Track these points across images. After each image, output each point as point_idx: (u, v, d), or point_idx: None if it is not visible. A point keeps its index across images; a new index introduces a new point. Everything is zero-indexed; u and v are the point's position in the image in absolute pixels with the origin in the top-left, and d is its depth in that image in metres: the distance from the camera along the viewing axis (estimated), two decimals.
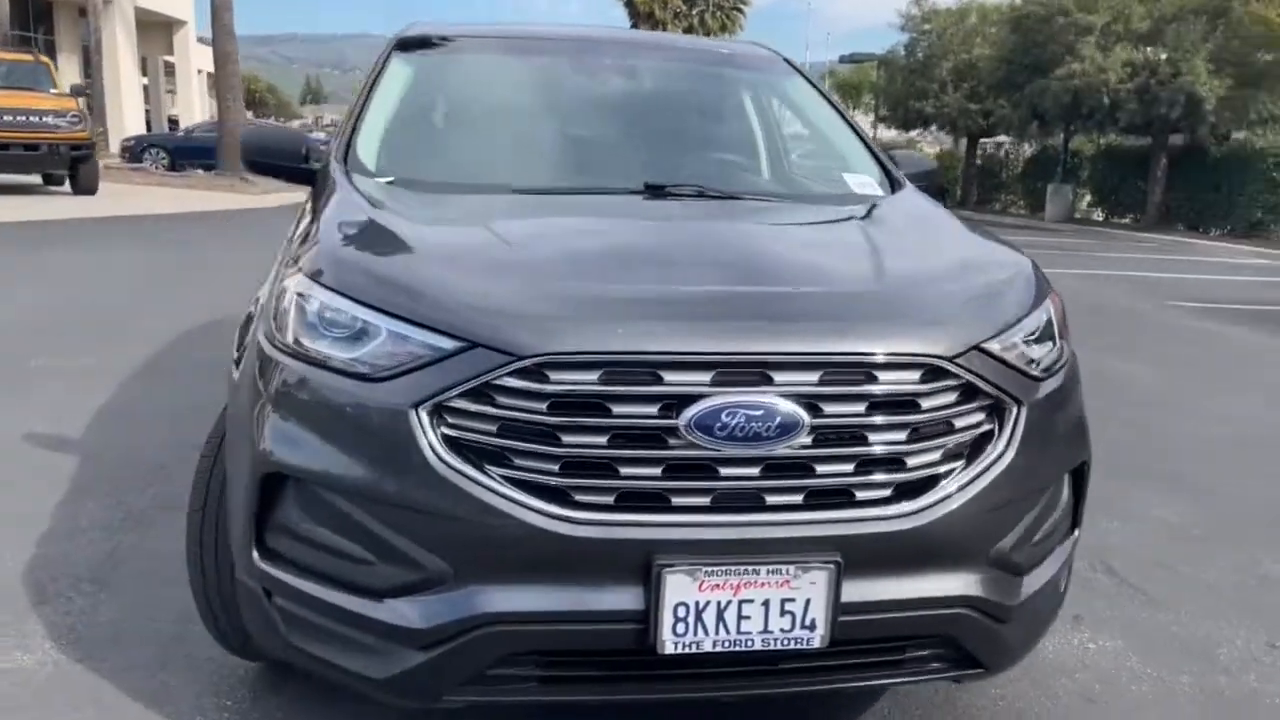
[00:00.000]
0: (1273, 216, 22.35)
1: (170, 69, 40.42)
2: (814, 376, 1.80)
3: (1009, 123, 27.63)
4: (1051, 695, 2.64)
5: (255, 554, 1.96)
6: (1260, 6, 21.96)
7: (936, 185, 3.21)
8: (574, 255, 2.22)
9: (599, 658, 1.87)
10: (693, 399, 1.76)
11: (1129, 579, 3.40)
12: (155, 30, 35.63)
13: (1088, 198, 28.92)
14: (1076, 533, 2.24)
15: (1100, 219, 27.97)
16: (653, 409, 1.76)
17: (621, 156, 3.16)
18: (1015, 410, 1.94)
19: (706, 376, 1.77)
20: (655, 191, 2.75)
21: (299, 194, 3.41)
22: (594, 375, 1.76)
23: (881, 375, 1.84)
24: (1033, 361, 2.03)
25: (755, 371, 1.79)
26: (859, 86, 48.55)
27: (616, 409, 1.76)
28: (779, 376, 1.79)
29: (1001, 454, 1.91)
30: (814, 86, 3.59)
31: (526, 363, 1.75)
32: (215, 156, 22.74)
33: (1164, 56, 22.36)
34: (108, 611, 2.86)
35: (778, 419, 1.77)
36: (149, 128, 35.34)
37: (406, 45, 3.42)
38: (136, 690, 2.48)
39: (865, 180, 3.05)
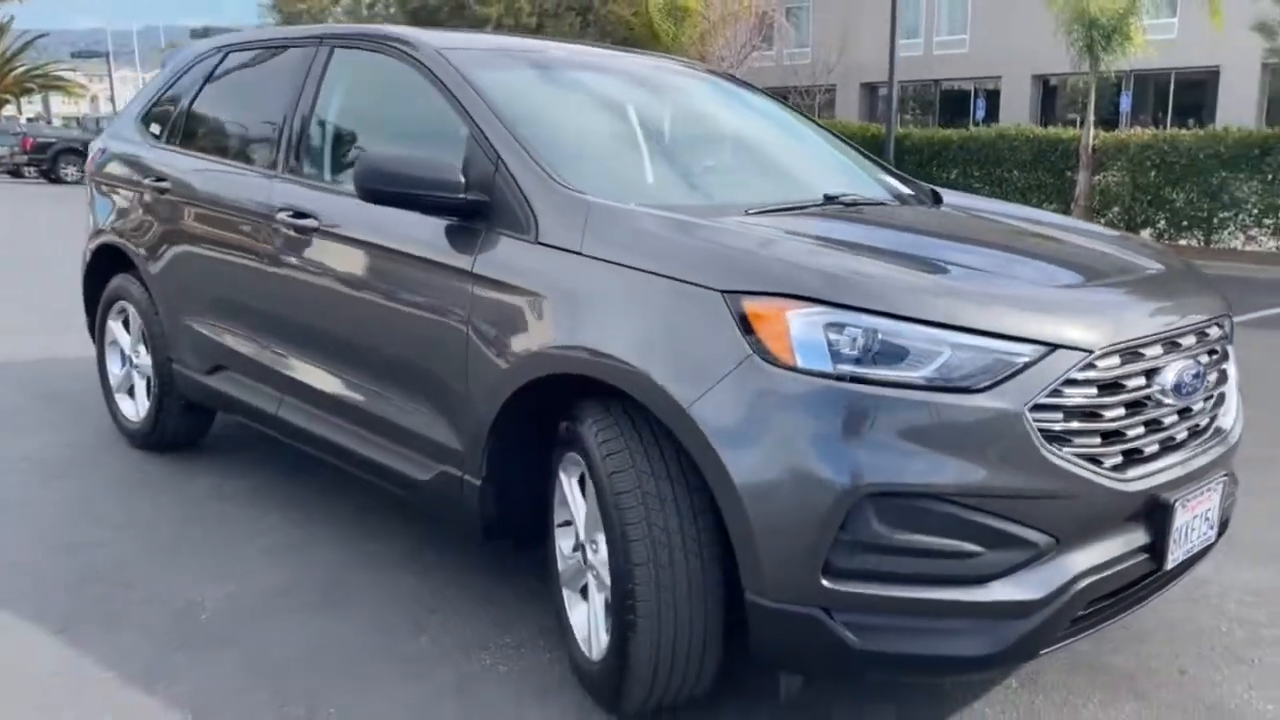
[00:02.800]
0: None
1: None
2: (1194, 339, 2.41)
3: None
4: None
5: (822, 578, 2.01)
6: (618, 7, 25.60)
7: None
8: (983, 265, 2.50)
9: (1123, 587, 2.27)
10: (1159, 369, 2.26)
11: None
12: None
13: None
14: None
15: None
16: (1143, 380, 2.22)
17: (768, 171, 3.30)
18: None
19: (1160, 349, 2.28)
20: (833, 200, 3.01)
21: None
22: (1116, 360, 2.16)
23: (1211, 332, 2.50)
24: None
25: (1178, 340, 2.34)
26: None
27: (1128, 383, 2.19)
28: (1185, 341, 2.36)
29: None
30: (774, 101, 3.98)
31: (1092, 357, 2.10)
32: None
33: None
34: None
35: (1198, 372, 2.35)
36: None
37: (475, 60, 3.13)
38: None
39: (895, 183, 3.59)
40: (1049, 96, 38.15)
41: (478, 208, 2.69)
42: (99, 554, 3.29)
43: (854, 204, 3.06)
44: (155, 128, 4.22)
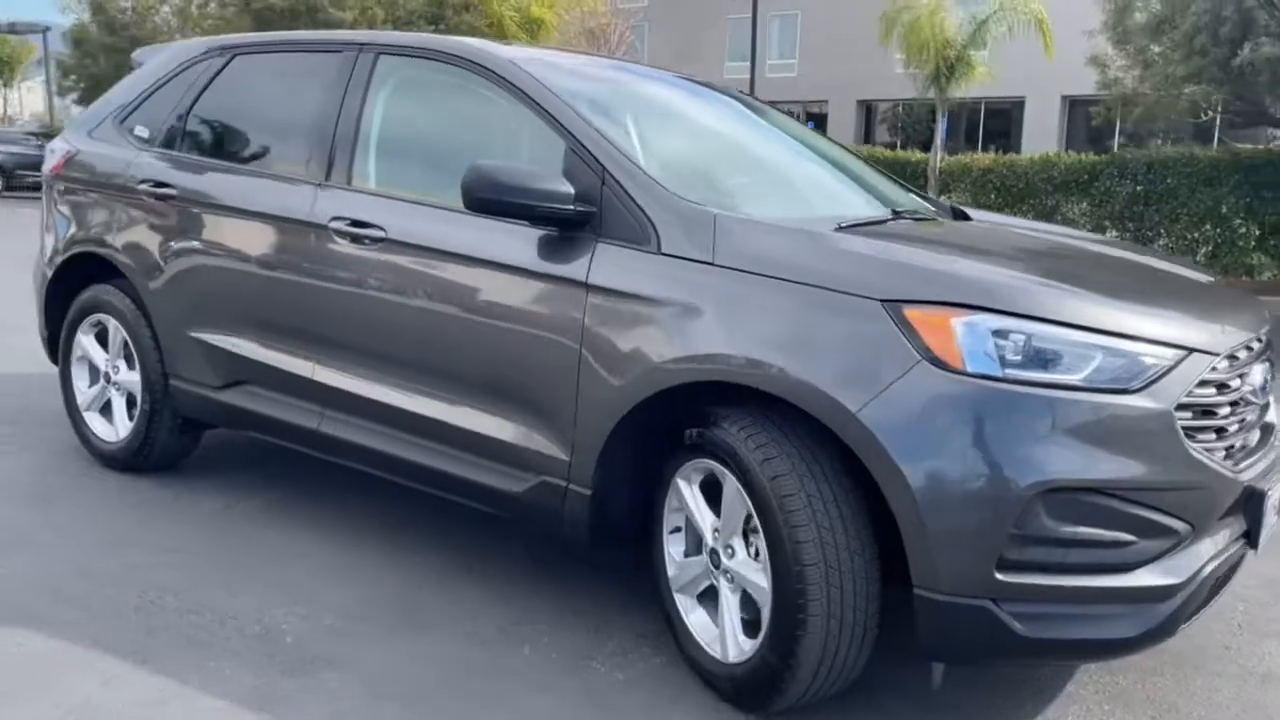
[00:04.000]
0: None
1: None
2: (1260, 344, 2.70)
3: None
4: None
5: (995, 572, 2.18)
6: (471, 18, 25.41)
7: None
8: (1090, 278, 2.71)
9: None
10: (1247, 371, 2.54)
11: None
12: None
13: None
14: None
15: None
16: (1239, 380, 2.50)
17: (823, 185, 3.41)
18: None
19: (1244, 354, 2.56)
20: (900, 215, 3.18)
21: None
22: (1226, 363, 2.42)
23: (1265, 337, 2.79)
24: None
25: (1252, 345, 2.62)
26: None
27: (1232, 384, 2.45)
28: (1256, 346, 2.65)
29: None
30: None
31: (1216, 360, 2.35)
32: None
33: None
34: None
35: (1264, 374, 2.64)
36: None
37: (555, 73, 3.16)
38: None
39: (916, 197, 3.80)
40: (869, 121, 40.31)
41: (585, 218, 2.73)
42: (145, 579, 3.11)
43: (921, 218, 3.25)
44: (142, 130, 3.99)
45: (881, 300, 2.29)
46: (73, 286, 4.16)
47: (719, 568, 2.56)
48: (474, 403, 2.97)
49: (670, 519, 2.72)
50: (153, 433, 3.92)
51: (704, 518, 2.60)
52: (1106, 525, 2.21)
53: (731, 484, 2.47)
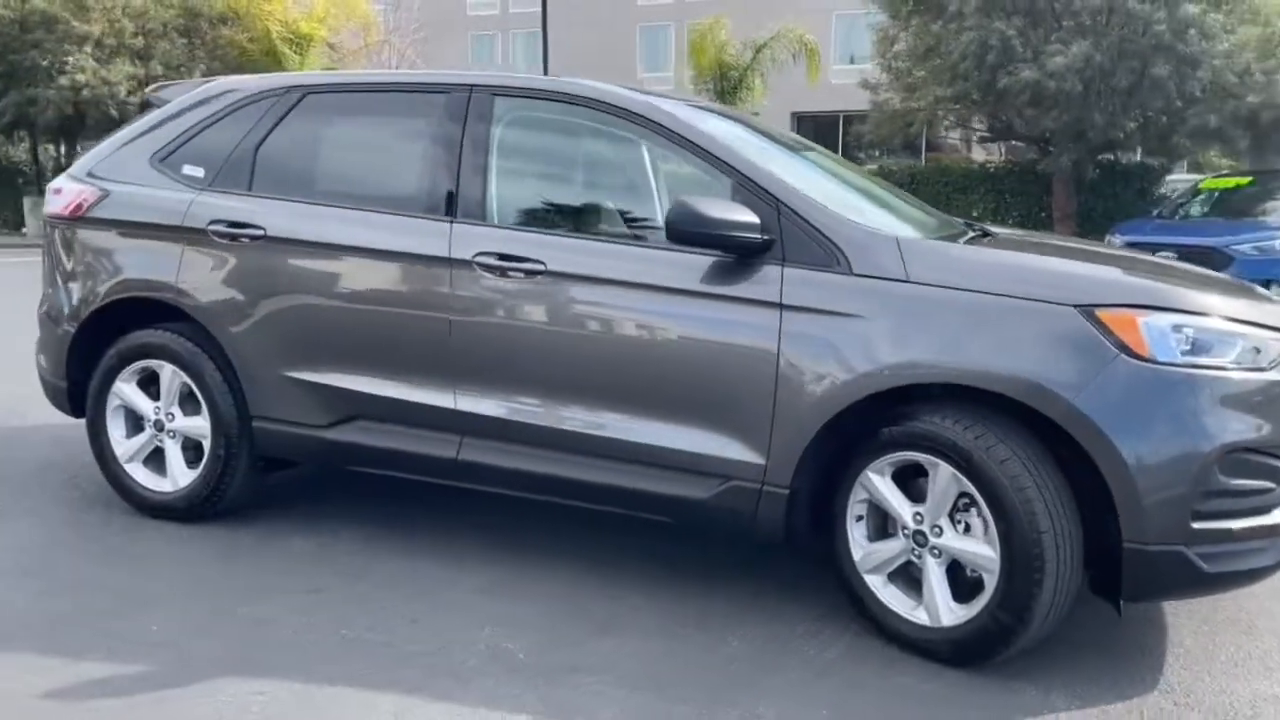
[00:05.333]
0: None
1: None
2: None
3: None
4: None
5: (1191, 522, 2.72)
6: (231, 32, 24.27)
7: None
8: (1197, 281, 3.26)
9: None
10: None
11: None
12: None
13: None
14: None
15: None
16: None
17: (889, 203, 3.78)
18: None
19: None
20: (967, 230, 3.70)
21: None
22: None
23: None
24: None
25: None
26: None
27: None
28: None
29: None
30: None
31: None
32: None
33: (161, 71, 23.07)
34: None
35: None
36: None
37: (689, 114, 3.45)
38: None
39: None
40: None
41: (767, 246, 3.05)
42: (330, 616, 3.11)
43: (983, 233, 3.77)
44: (194, 170, 3.86)
45: (1075, 305, 2.77)
46: (102, 334, 3.96)
47: (924, 545, 2.95)
48: (653, 418, 3.20)
49: (854, 509, 3.08)
50: (226, 478, 3.82)
51: (901, 505, 2.98)
52: (1257, 476, 2.78)
53: (944, 471, 2.86)
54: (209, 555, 3.66)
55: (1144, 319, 2.75)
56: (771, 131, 3.98)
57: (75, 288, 4.02)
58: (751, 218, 3.02)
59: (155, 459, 3.97)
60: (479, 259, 3.35)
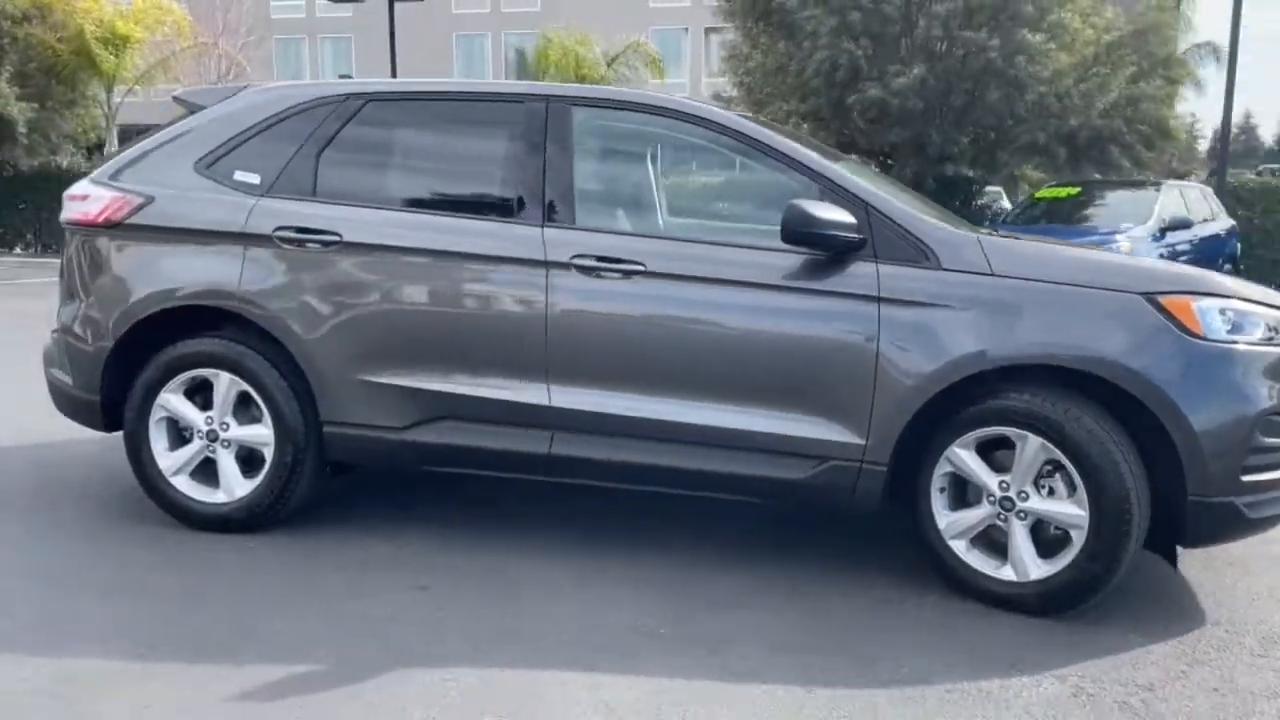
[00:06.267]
0: None
1: None
2: None
3: None
4: None
5: (1241, 476, 3.22)
6: (39, 31, 22.67)
7: None
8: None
9: None
10: None
11: None
12: None
13: None
14: None
15: None
16: None
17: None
18: None
19: None
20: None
21: None
22: None
23: None
24: None
25: None
26: None
27: None
28: None
29: None
30: None
31: None
32: None
33: None
34: None
35: None
36: None
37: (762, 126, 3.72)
38: None
39: None
40: None
41: (861, 245, 3.36)
42: (434, 613, 3.19)
43: (1010, 234, 4.22)
44: (248, 176, 3.80)
45: (1141, 293, 3.22)
46: (140, 345, 3.86)
47: (1011, 510, 3.32)
48: (748, 406, 3.45)
49: (937, 482, 3.42)
50: (292, 485, 3.79)
51: (986, 475, 3.35)
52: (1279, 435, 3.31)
53: (1034, 443, 3.24)
54: (292, 562, 3.63)
55: (1197, 303, 3.23)
56: (814, 144, 4.30)
57: (112, 297, 3.88)
58: (851, 219, 3.32)
59: (203, 471, 3.89)
60: (576, 261, 3.50)
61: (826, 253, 3.38)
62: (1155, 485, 3.24)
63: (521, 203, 3.62)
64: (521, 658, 2.92)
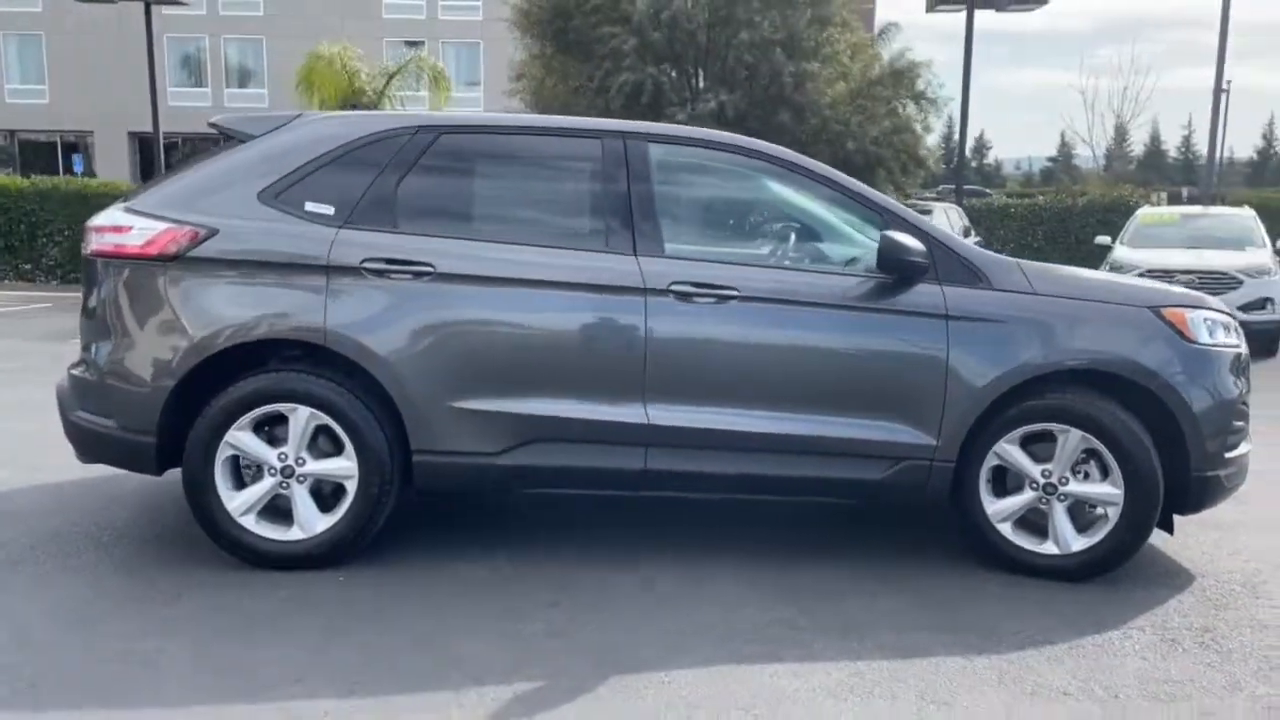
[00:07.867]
0: None
1: None
2: None
3: None
4: None
5: (1224, 453, 3.97)
6: None
7: None
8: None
9: None
10: None
11: None
12: None
13: None
14: None
15: None
16: None
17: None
18: None
19: None
20: None
21: None
22: None
23: None
24: None
25: None
26: None
27: None
28: None
29: None
30: None
31: None
32: None
33: None
34: None
35: None
36: None
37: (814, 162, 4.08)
38: None
39: None
40: (146, 153, 39.26)
41: (927, 270, 3.84)
42: (592, 621, 3.36)
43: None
44: (320, 207, 3.74)
45: (1148, 306, 3.89)
46: (196, 383, 3.73)
47: (1053, 494, 3.89)
48: (832, 414, 3.83)
49: (985, 474, 3.95)
50: (378, 516, 3.79)
51: (1030, 465, 3.90)
52: (1243, 419, 4.08)
53: (1075, 435, 3.82)
54: (388, 592, 3.63)
55: (1189, 314, 3.94)
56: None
57: (173, 334, 3.70)
58: (924, 247, 3.79)
59: (269, 511, 3.79)
60: (674, 287, 3.76)
61: (898, 276, 3.83)
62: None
63: (610, 233, 3.83)
64: (713, 656, 3.17)
